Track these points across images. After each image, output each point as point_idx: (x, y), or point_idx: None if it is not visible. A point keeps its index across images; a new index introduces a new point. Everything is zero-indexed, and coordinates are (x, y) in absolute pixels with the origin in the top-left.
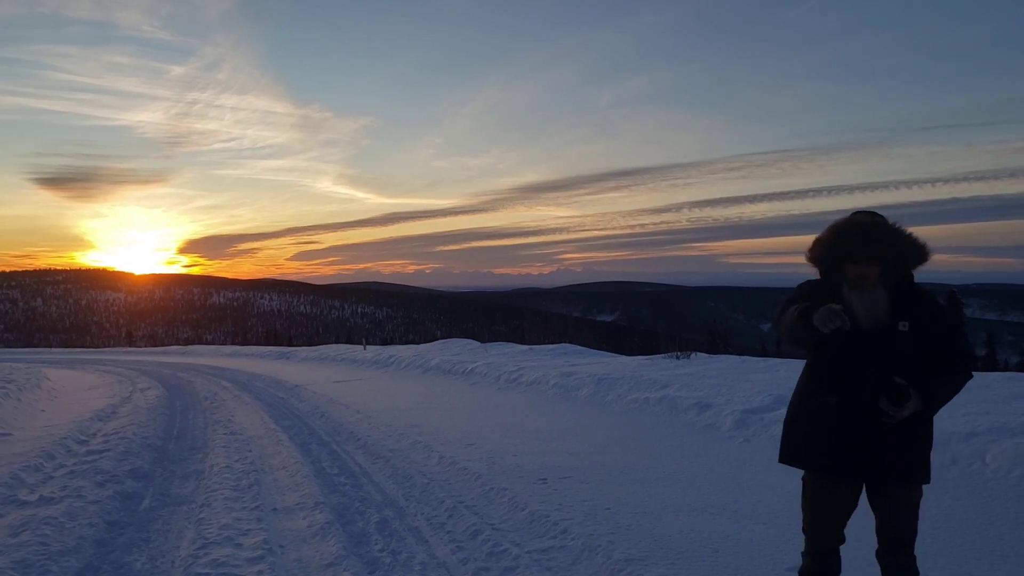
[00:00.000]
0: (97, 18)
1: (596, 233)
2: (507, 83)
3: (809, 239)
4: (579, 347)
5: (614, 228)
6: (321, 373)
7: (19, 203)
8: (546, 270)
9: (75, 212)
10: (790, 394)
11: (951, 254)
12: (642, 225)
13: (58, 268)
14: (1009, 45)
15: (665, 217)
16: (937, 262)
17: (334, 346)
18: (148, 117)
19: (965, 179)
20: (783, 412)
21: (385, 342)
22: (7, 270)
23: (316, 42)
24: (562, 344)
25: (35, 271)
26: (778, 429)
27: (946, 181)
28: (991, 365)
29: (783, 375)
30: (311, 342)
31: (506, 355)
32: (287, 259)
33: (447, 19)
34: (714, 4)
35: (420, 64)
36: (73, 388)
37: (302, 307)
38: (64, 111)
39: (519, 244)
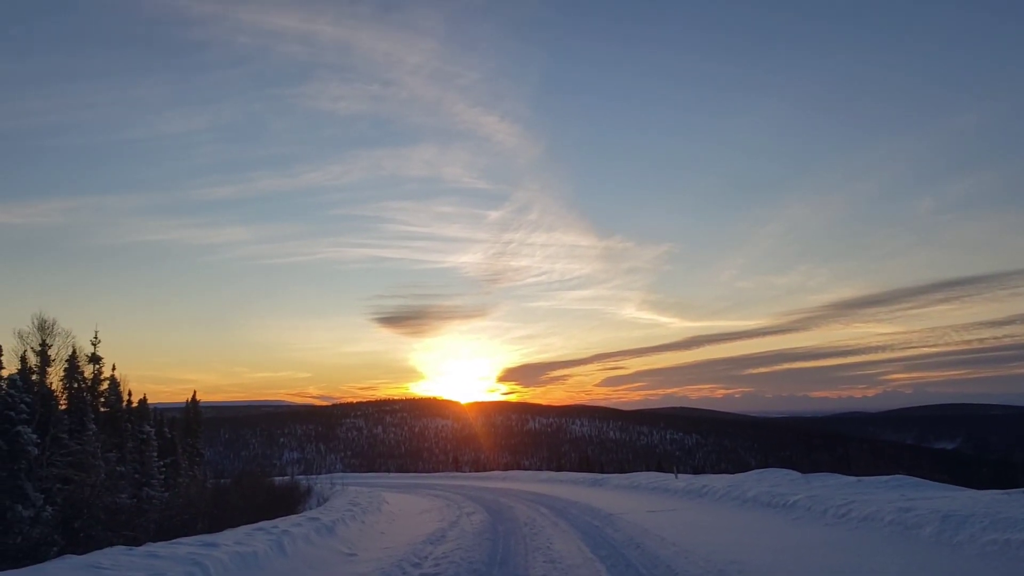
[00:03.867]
0: (427, 175)
1: (925, 350)
2: (812, 196)
3: None
4: (916, 479)
5: (946, 344)
6: (634, 502)
7: (365, 340)
8: (870, 392)
9: (409, 346)
10: None
11: None
12: (980, 340)
13: (395, 398)
14: None
15: (1008, 330)
16: None
17: (645, 474)
18: (469, 258)
19: None
20: None
21: (696, 470)
22: (354, 401)
23: (616, 178)
24: (896, 475)
25: (376, 401)
26: None
27: None
28: None
29: None
30: (622, 469)
31: (831, 487)
32: (595, 385)
33: (743, 140)
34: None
35: (718, 187)
36: (408, 512)
37: (611, 433)
38: (400, 257)
39: (837, 365)
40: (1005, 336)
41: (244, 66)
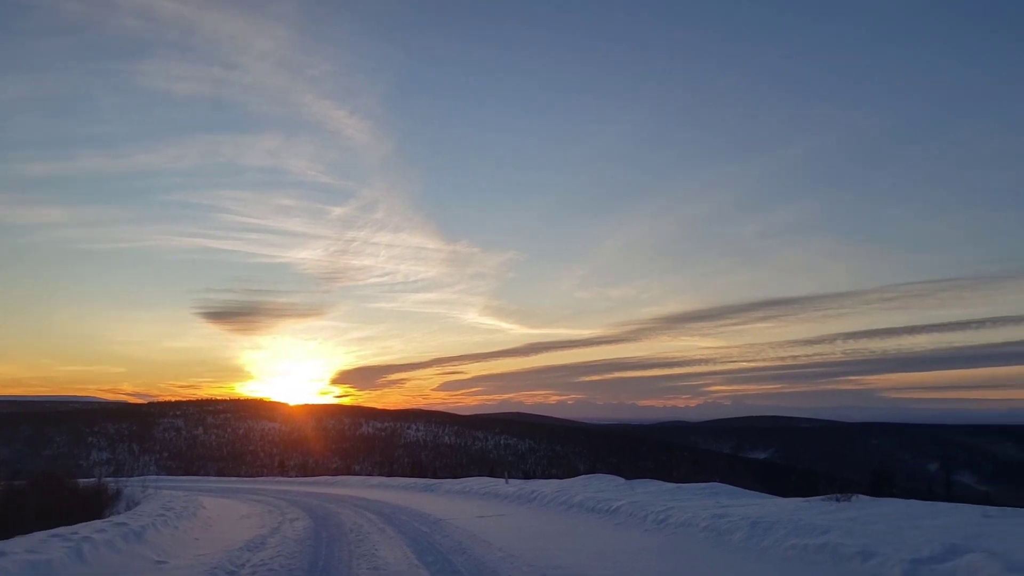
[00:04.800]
0: (269, 165)
1: (744, 364)
2: (650, 215)
3: (978, 372)
4: (731, 487)
5: (763, 359)
6: (464, 507)
7: (189, 336)
8: (693, 403)
9: (237, 344)
10: (965, 543)
11: None
12: (794, 357)
13: (219, 398)
14: None
15: (818, 348)
16: None
17: (477, 479)
18: (308, 255)
19: None
20: (958, 563)
21: (527, 475)
22: (173, 399)
23: (466, 182)
24: (713, 483)
25: (198, 401)
26: None
27: None
28: None
29: (954, 522)
30: (455, 474)
31: (652, 493)
32: (433, 389)
33: (590, 157)
34: (860, 135)
35: (565, 200)
36: (227, 517)
37: (447, 438)
38: (234, 250)
39: (664, 375)
40: (815, 354)
41: (73, 35)
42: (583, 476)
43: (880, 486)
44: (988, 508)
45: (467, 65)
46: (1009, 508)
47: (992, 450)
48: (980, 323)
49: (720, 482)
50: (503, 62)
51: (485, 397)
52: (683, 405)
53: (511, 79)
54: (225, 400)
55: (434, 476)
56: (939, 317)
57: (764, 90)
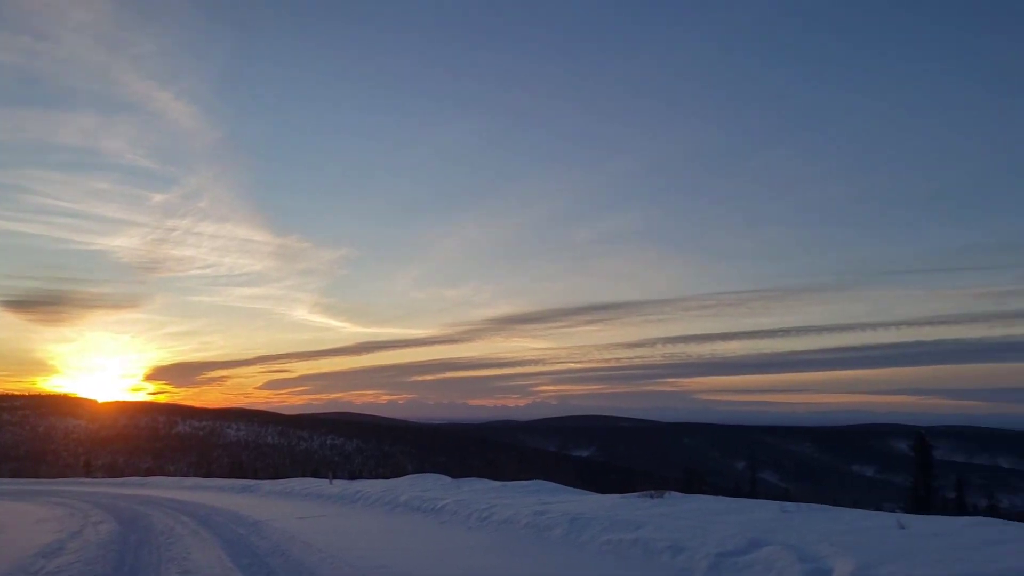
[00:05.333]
0: (83, 145)
1: (572, 366)
2: (487, 218)
3: (781, 378)
4: (554, 484)
5: (589, 361)
6: (285, 508)
7: None
8: (522, 402)
9: (40, 336)
10: (764, 536)
11: (920, 396)
12: (617, 359)
13: (17, 393)
14: (967, 196)
15: (640, 352)
16: (908, 404)
17: (299, 480)
18: (124, 242)
19: (929, 323)
20: (757, 556)
21: (354, 476)
22: None
23: (299, 175)
24: (537, 480)
25: None
26: (751, 573)
27: (910, 324)
28: (961, 508)
29: (756, 517)
30: (277, 475)
31: (478, 492)
32: (256, 388)
33: (428, 158)
34: (686, 150)
35: (402, 199)
36: (20, 522)
37: (270, 438)
38: (40, 234)
39: (494, 375)
40: (637, 357)
41: None
42: (410, 476)
43: (691, 483)
44: (786, 504)
45: (304, 59)
46: (804, 504)
47: (794, 449)
48: (786, 332)
49: (544, 480)
50: (342, 61)
51: (312, 396)
52: (513, 404)
53: (350, 77)
54: (23, 396)
55: (254, 477)
56: (750, 325)
57: (602, 99)
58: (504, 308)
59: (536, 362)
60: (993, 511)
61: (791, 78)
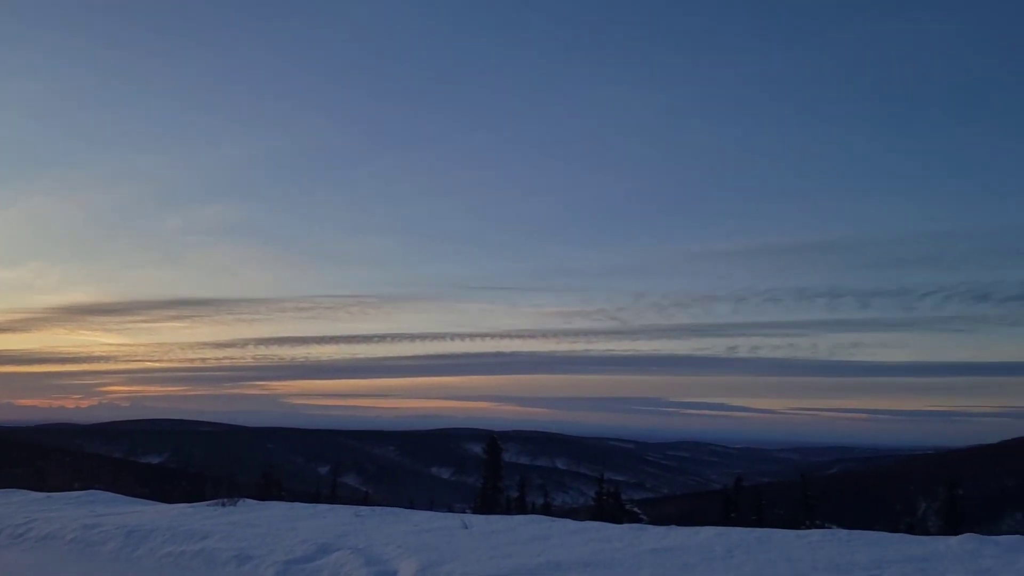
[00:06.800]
0: None
1: (149, 364)
2: (62, 190)
3: (373, 383)
4: (113, 494)
5: (171, 360)
6: None
7: None
8: (84, 403)
9: None
10: (335, 541)
11: (495, 402)
12: (203, 359)
13: None
14: (553, 221)
15: (229, 352)
16: (485, 409)
17: None
18: None
19: (507, 336)
20: (326, 561)
21: None
22: None
23: None
24: (92, 491)
25: None
26: None
27: (492, 336)
28: (522, 507)
29: (330, 522)
30: None
31: (16, 504)
32: None
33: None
34: (296, 148)
35: None
36: None
37: None
38: None
39: (53, 372)
40: (225, 358)
41: None
42: None
43: (269, 489)
44: (361, 508)
45: None
46: (379, 507)
47: (377, 453)
48: (381, 338)
49: (102, 489)
50: None
51: None
52: (73, 406)
53: None
54: None
55: None
56: (347, 330)
57: (201, 89)
58: (74, 296)
59: (106, 359)
60: (547, 509)
61: (398, 100)
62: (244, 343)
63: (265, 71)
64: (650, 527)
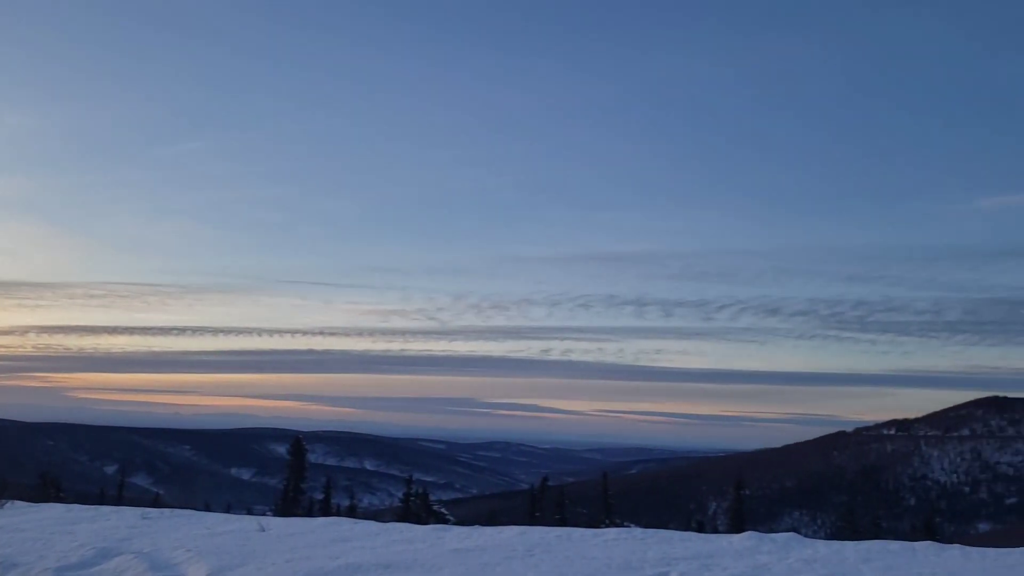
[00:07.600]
0: None
1: None
2: None
3: (169, 378)
4: None
5: None
6: None
7: None
8: None
9: None
10: (118, 545)
11: (303, 402)
12: None
13: None
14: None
15: (6, 340)
16: (291, 409)
17: None
18: None
19: (321, 333)
20: (106, 567)
21: None
22: None
23: None
24: None
25: None
26: None
27: (304, 333)
28: (327, 509)
29: (113, 525)
30: None
31: None
32: None
33: None
34: (92, 119)
35: None
36: None
37: None
38: None
39: None
40: (1, 347)
41: None
42: None
43: (46, 490)
44: (149, 510)
45: None
46: (168, 509)
47: (171, 452)
48: (181, 331)
49: None
50: None
51: None
52: None
53: None
54: None
55: None
56: (143, 320)
57: None
58: None
59: None
60: (352, 511)
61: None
62: (24, 331)
63: (66, 34)
64: (454, 527)
